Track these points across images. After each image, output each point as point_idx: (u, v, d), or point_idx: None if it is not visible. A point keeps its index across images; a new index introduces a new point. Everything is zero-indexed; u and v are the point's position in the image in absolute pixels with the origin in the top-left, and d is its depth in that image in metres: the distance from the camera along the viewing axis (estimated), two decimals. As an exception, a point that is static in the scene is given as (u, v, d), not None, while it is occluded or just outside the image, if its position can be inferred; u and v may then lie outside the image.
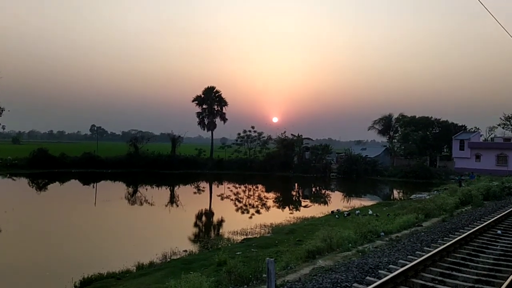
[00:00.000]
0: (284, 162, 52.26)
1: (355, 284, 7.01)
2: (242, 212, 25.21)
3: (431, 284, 7.15)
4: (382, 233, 12.37)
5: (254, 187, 42.38)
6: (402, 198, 33.32)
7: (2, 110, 50.12)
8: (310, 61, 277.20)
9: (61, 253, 14.18)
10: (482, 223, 13.10)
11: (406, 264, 8.03)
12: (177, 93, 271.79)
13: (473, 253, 9.46)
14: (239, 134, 57.88)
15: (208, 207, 27.72)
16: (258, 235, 16.49)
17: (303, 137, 58.09)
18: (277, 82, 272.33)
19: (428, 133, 59.98)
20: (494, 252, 9.63)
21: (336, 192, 39.41)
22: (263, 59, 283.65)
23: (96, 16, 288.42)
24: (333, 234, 10.86)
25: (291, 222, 19.66)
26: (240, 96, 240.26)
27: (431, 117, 61.79)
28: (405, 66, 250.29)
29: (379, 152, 57.88)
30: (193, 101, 58.42)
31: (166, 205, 26.86)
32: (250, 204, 28.65)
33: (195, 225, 21.05)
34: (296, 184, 47.03)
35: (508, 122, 61.59)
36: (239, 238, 16.17)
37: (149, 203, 27.55)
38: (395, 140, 62.35)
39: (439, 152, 58.97)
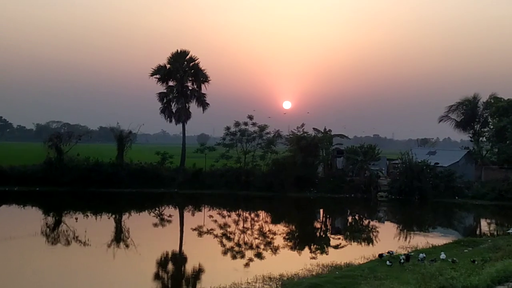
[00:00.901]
0: (302, 175, 52.31)
1: None
2: (234, 257, 25.35)
3: None
4: (462, 291, 12.36)
5: (252, 215, 42.39)
6: (496, 233, 33.37)
7: None
8: (349, 13, 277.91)
9: None
10: None
11: None
12: (126, 62, 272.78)
13: None
14: (228, 128, 57.79)
15: (177, 248, 27.82)
16: (260, 294, 16.59)
17: (332, 133, 58.26)
18: (291, 46, 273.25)
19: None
20: None
21: (387, 224, 39.39)
22: (269, 8, 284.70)
23: None
24: (382, 292, 10.88)
25: (314, 273, 19.81)
26: (230, 67, 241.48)
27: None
28: (503, 15, 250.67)
29: (458, 159, 57.90)
30: (152, 75, 58.67)
31: (109, 245, 26.96)
32: (246, 244, 28.76)
33: (157, 277, 21.13)
34: (321, 211, 46.97)
35: None
36: (229, 298, 16.28)
37: (80, 241, 27.63)
38: (484, 139, 62.27)
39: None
